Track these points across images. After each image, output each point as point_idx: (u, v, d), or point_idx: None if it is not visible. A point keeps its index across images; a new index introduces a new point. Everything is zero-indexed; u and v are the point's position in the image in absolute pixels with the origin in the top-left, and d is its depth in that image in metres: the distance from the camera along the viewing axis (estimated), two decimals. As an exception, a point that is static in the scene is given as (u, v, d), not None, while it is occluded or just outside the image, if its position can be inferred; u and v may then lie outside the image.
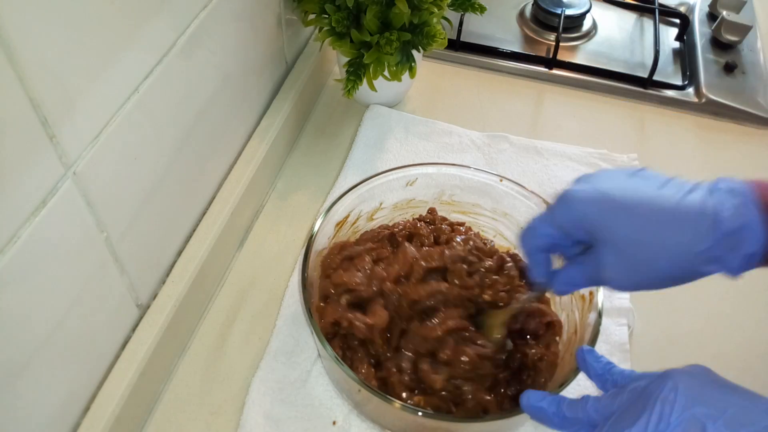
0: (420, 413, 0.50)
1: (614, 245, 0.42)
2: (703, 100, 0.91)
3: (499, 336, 0.56)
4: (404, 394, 0.55)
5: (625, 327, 0.66)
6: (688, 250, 0.40)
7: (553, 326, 0.59)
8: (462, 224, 0.68)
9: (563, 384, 0.51)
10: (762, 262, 0.41)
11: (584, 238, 0.45)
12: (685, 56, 0.99)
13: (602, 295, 0.56)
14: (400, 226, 0.66)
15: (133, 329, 0.58)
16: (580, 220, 0.44)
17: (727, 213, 0.39)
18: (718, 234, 0.39)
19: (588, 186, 0.44)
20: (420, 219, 0.67)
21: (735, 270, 0.41)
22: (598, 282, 0.46)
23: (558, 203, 0.45)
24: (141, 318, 0.58)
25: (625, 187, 0.43)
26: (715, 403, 0.37)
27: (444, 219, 0.68)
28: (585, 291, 0.58)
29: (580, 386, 0.60)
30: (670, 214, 0.41)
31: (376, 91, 0.79)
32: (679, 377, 0.39)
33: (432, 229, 0.65)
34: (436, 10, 0.74)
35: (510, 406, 0.55)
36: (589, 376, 0.48)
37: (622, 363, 0.63)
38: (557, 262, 0.49)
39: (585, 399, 0.43)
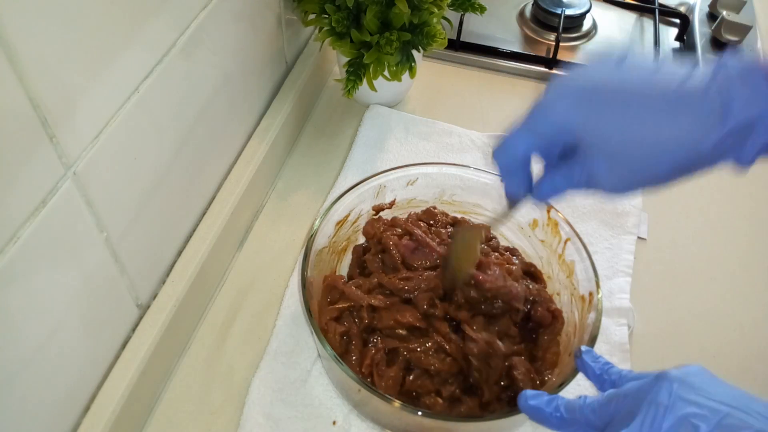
0: (420, 413, 0.50)
1: (606, 147, 0.38)
2: (703, 100, 0.91)
3: (472, 267, 0.55)
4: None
5: (625, 327, 0.66)
6: (693, 146, 0.36)
7: (558, 316, 0.59)
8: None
9: (562, 384, 0.51)
10: None
11: (570, 143, 0.40)
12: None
13: (602, 295, 0.56)
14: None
15: (133, 329, 0.58)
16: (563, 125, 0.39)
17: (737, 103, 0.34)
18: (729, 126, 0.34)
19: (569, 84, 0.39)
20: (419, 219, 0.66)
21: (746, 162, 0.36)
22: (587, 186, 0.41)
23: (536, 110, 0.40)
24: (141, 318, 0.58)
25: (611, 80, 0.37)
26: (708, 405, 0.37)
27: (445, 214, 0.67)
28: (585, 291, 0.58)
29: (580, 386, 0.60)
30: (668, 105, 0.36)
31: (376, 91, 0.79)
32: (673, 378, 0.39)
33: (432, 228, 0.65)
34: (436, 10, 0.75)
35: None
36: (588, 376, 0.48)
37: (622, 363, 0.63)
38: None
39: (582, 399, 0.43)
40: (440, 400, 0.54)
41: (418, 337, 0.56)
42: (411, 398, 0.55)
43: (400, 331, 0.56)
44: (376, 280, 0.59)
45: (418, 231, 0.61)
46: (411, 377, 0.55)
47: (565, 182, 0.41)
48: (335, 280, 0.60)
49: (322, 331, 0.56)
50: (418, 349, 0.55)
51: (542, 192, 0.43)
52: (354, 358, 0.56)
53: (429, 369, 0.55)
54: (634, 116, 0.36)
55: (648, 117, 0.36)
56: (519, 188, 0.44)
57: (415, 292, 0.57)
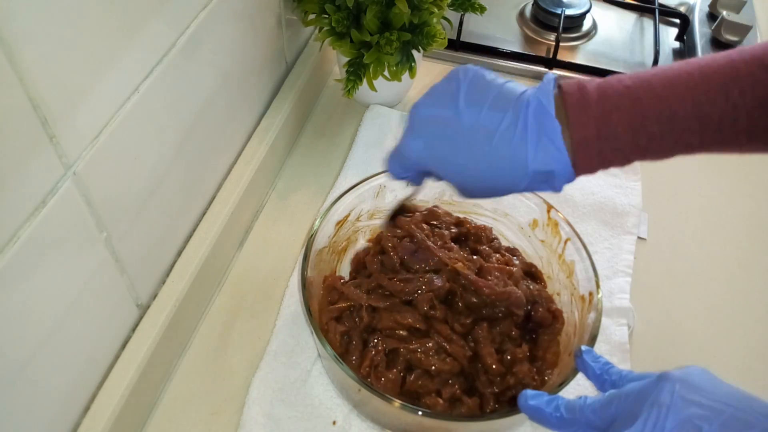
0: (420, 413, 0.50)
1: (450, 178, 0.47)
2: (703, 100, 0.91)
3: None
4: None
5: (625, 327, 0.66)
6: (510, 189, 0.45)
7: (559, 316, 0.59)
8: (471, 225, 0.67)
9: (562, 384, 0.51)
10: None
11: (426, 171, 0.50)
12: (685, 56, 0.98)
13: (602, 295, 0.56)
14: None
15: (133, 329, 0.58)
16: (418, 163, 0.49)
17: (537, 161, 0.42)
18: (531, 176, 0.43)
19: (420, 129, 0.48)
20: (423, 220, 0.65)
21: (559, 190, 0.44)
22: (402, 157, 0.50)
23: (398, 149, 0.50)
24: (141, 318, 0.58)
25: (449, 126, 0.45)
26: (712, 405, 0.37)
27: (449, 214, 0.67)
28: (585, 291, 0.58)
29: (580, 386, 0.60)
30: (488, 163, 0.44)
31: (376, 91, 0.79)
32: (676, 379, 0.39)
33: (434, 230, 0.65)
34: (436, 10, 0.75)
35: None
36: (588, 376, 0.48)
37: (622, 363, 0.63)
38: None
39: (583, 399, 0.43)
40: (441, 401, 0.54)
41: (418, 338, 0.56)
42: (411, 399, 0.55)
43: (401, 332, 0.56)
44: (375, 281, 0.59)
45: (419, 233, 0.61)
46: (411, 377, 0.55)
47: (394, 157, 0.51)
48: (335, 281, 0.60)
49: (322, 330, 0.56)
50: (419, 350, 0.55)
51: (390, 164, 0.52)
52: (354, 358, 0.56)
53: (429, 369, 0.55)
54: (464, 162, 0.45)
55: (474, 164, 0.44)
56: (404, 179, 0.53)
57: (416, 294, 0.57)
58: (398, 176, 0.52)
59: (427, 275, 0.58)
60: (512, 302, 0.57)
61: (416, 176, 0.51)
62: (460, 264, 0.59)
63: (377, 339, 0.56)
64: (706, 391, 0.38)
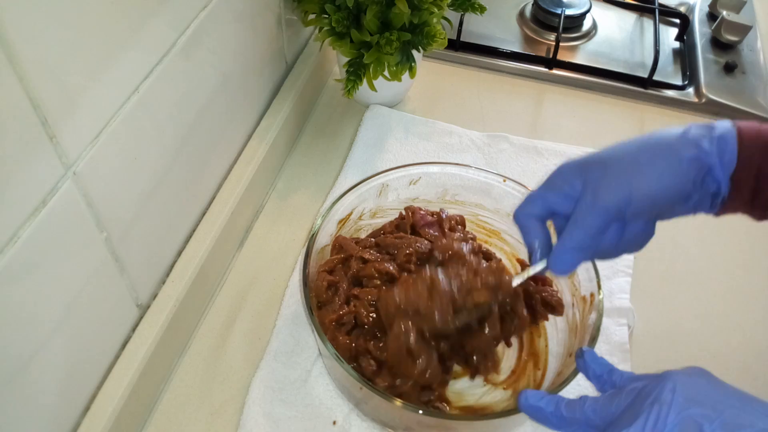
0: (420, 411, 0.50)
1: (607, 171, 0.45)
2: (703, 100, 0.91)
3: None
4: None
5: (625, 327, 0.66)
6: (670, 156, 0.45)
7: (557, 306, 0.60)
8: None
9: (562, 384, 0.51)
10: (739, 207, 0.46)
11: (579, 190, 0.47)
12: (685, 56, 0.99)
13: (603, 296, 0.56)
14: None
15: (133, 329, 0.58)
16: (576, 170, 0.47)
17: (689, 153, 0.44)
18: (688, 171, 0.44)
19: (578, 158, 0.48)
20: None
21: (707, 208, 0.46)
22: (593, 217, 0.46)
23: (554, 172, 0.49)
24: (141, 318, 0.58)
25: (606, 151, 0.47)
26: (712, 404, 0.37)
27: (452, 217, 0.67)
28: (586, 292, 0.58)
29: (580, 386, 0.60)
30: (646, 156, 0.45)
31: (376, 91, 0.79)
32: (676, 378, 0.39)
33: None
34: (436, 10, 0.74)
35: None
36: (588, 377, 0.48)
37: (622, 363, 0.63)
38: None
39: (583, 399, 0.43)
40: (372, 363, 0.54)
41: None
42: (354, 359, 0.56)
43: (377, 281, 0.58)
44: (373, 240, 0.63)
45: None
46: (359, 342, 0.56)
47: (577, 223, 0.46)
48: (340, 239, 0.63)
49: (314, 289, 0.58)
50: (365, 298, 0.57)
51: (557, 258, 0.48)
52: (331, 308, 0.57)
53: (365, 323, 0.56)
54: (622, 166, 0.45)
55: (636, 164, 0.45)
56: (533, 237, 0.50)
57: (400, 249, 0.60)
58: (534, 210, 0.50)
59: (419, 241, 0.60)
60: (451, 248, 0.57)
61: (539, 223, 0.50)
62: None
63: (355, 303, 0.57)
64: (706, 391, 0.38)
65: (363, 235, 0.68)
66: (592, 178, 0.46)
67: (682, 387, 0.38)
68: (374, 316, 0.56)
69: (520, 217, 0.50)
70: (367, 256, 0.60)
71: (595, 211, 0.45)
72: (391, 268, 0.59)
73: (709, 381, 0.39)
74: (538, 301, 0.59)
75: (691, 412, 0.36)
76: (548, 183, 0.49)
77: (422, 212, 0.64)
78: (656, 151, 0.45)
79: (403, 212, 0.65)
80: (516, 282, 0.53)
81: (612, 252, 0.49)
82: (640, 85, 0.93)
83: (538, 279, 0.63)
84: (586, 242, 0.46)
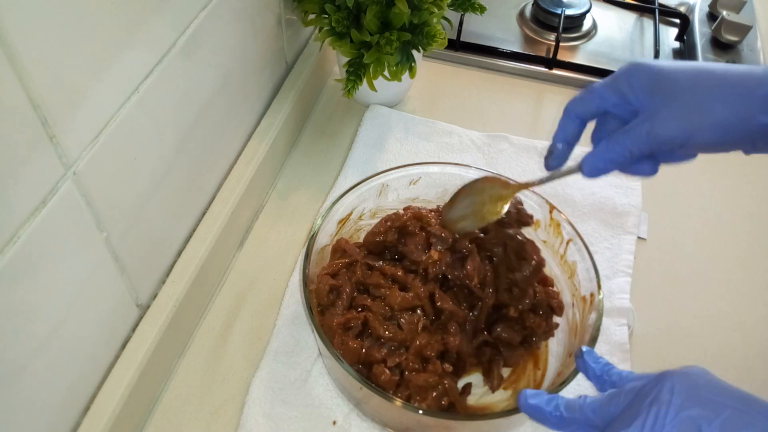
0: (420, 411, 0.50)
1: (675, 98, 0.43)
2: (703, 100, 0.91)
3: (496, 216, 0.56)
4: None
5: (625, 327, 0.66)
6: (746, 95, 0.42)
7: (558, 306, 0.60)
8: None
9: (562, 384, 0.51)
10: None
11: (641, 102, 0.45)
12: (685, 56, 0.98)
13: (603, 296, 0.56)
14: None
15: (133, 329, 0.58)
16: (645, 81, 0.45)
17: None
18: None
19: (646, 62, 0.46)
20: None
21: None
22: (643, 143, 0.45)
23: (624, 70, 0.46)
24: (141, 318, 0.58)
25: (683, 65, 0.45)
26: (711, 405, 0.37)
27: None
28: (586, 292, 0.58)
29: (580, 386, 0.60)
30: (729, 69, 0.43)
31: (376, 91, 0.79)
32: (676, 378, 0.39)
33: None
34: (436, 10, 0.75)
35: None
36: (588, 377, 0.48)
37: (622, 363, 0.63)
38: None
39: (583, 399, 0.43)
40: (387, 371, 0.54)
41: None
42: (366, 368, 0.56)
43: (384, 290, 0.58)
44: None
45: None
46: (368, 348, 0.55)
47: (627, 139, 0.45)
48: (342, 242, 0.62)
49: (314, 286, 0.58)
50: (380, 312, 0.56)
51: (600, 152, 0.47)
52: (336, 313, 0.57)
53: (381, 336, 0.55)
54: (704, 77, 0.43)
55: (715, 76, 0.43)
56: (564, 138, 0.50)
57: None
58: (589, 106, 0.49)
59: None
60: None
61: (579, 124, 0.50)
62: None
63: (361, 308, 0.57)
64: (705, 391, 0.38)
65: (363, 236, 0.67)
66: (658, 101, 0.44)
67: (681, 387, 0.38)
68: (390, 332, 0.56)
69: (570, 112, 0.49)
70: (371, 261, 0.60)
71: (649, 139, 0.44)
72: (399, 273, 0.58)
73: (708, 381, 0.39)
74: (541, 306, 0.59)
75: (690, 413, 0.36)
76: (614, 84, 0.47)
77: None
78: (731, 92, 0.42)
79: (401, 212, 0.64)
80: (536, 181, 0.53)
81: (635, 170, 0.48)
82: (640, 85, 0.93)
83: (540, 279, 0.63)
84: (626, 160, 0.46)
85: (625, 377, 0.45)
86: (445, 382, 0.54)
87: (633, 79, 0.46)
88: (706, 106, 0.43)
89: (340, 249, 0.62)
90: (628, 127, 0.46)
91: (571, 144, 0.51)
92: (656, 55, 0.91)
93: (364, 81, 0.76)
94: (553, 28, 1.00)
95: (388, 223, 0.61)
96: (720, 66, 0.44)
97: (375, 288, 0.58)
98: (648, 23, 1.04)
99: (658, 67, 0.45)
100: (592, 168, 0.47)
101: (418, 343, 0.55)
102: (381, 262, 0.60)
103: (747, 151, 0.45)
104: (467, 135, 0.85)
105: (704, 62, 0.45)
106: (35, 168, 0.41)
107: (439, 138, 0.84)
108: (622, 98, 0.46)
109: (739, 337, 0.68)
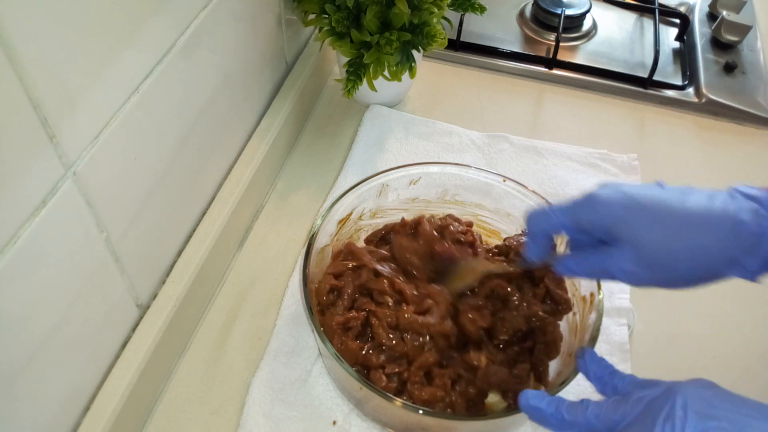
0: (420, 411, 0.50)
1: (636, 245, 0.43)
2: (703, 100, 0.91)
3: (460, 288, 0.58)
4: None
5: (625, 327, 0.66)
6: (710, 253, 0.42)
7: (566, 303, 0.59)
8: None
9: (562, 384, 0.51)
10: None
11: (602, 237, 0.46)
12: (685, 56, 0.99)
13: (603, 296, 0.56)
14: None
15: (133, 329, 0.58)
16: (603, 220, 0.45)
17: (746, 217, 0.41)
18: (739, 237, 0.41)
19: (614, 190, 0.45)
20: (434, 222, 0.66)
21: (753, 273, 0.42)
22: (604, 275, 0.47)
23: (583, 201, 0.46)
24: (141, 318, 0.58)
25: (651, 194, 0.44)
26: (727, 417, 0.36)
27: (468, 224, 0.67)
28: (586, 292, 0.58)
29: (580, 386, 0.60)
30: (695, 217, 0.42)
31: (376, 91, 0.79)
32: (687, 392, 0.38)
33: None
34: (436, 10, 0.74)
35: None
36: (588, 377, 0.48)
37: (622, 363, 0.63)
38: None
39: (585, 403, 0.43)
40: (384, 378, 0.54)
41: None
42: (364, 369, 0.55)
43: (388, 298, 0.57)
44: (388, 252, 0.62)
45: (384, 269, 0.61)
46: (368, 351, 0.55)
47: (588, 266, 0.47)
48: (351, 245, 0.62)
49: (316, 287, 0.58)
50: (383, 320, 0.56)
51: (564, 267, 0.49)
52: (335, 313, 0.56)
53: (382, 343, 0.55)
54: (667, 224, 0.43)
55: (678, 225, 0.42)
56: (536, 255, 0.51)
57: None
58: (542, 231, 0.50)
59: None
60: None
61: (548, 244, 0.51)
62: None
63: (364, 310, 0.57)
64: (717, 403, 0.37)
65: (363, 236, 0.68)
66: (635, 230, 0.44)
67: (693, 401, 0.37)
68: (394, 340, 0.55)
69: (531, 233, 0.50)
70: (380, 268, 0.59)
71: (619, 276, 0.45)
72: (406, 289, 0.58)
73: (716, 393, 0.38)
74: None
75: (708, 426, 0.36)
76: (579, 213, 0.47)
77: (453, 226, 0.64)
78: (704, 219, 0.42)
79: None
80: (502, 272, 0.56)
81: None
82: (640, 85, 0.93)
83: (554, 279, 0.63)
84: (601, 276, 0.48)
85: (627, 382, 0.44)
86: (452, 397, 0.54)
87: (610, 211, 0.45)
88: (670, 265, 0.43)
89: (348, 252, 0.61)
90: (611, 256, 0.45)
91: (546, 251, 0.51)
92: (656, 55, 0.91)
93: (364, 81, 0.76)
94: (553, 28, 1.00)
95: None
96: (684, 209, 0.43)
97: (379, 294, 0.58)
98: (648, 23, 1.05)
99: (630, 196, 0.44)
100: (564, 270, 0.49)
101: (424, 359, 0.54)
102: (389, 270, 0.60)
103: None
104: (467, 135, 0.85)
105: (668, 199, 0.43)
106: (35, 168, 0.41)
107: (439, 138, 0.84)
108: (597, 224, 0.46)
109: (739, 338, 0.68)
